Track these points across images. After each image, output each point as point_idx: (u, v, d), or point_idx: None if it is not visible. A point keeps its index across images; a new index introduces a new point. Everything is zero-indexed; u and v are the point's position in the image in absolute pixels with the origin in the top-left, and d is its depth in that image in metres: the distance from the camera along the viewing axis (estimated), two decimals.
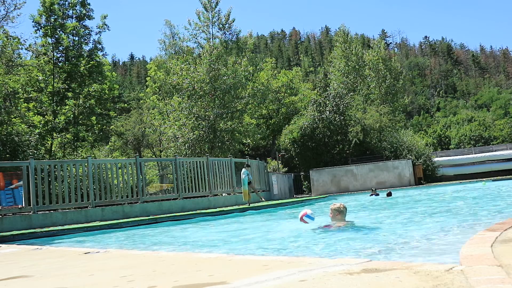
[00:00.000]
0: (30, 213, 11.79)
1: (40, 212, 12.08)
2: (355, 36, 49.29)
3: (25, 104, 23.35)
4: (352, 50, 42.71)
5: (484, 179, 25.99)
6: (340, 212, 6.76)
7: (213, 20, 35.04)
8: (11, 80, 20.97)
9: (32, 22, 23.78)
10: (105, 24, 25.63)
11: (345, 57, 42.69)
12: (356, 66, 42.26)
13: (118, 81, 61.05)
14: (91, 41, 25.44)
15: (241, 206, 15.43)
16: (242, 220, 11.24)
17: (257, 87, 31.54)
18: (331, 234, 6.15)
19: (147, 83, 39.10)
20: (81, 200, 13.16)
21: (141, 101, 40.73)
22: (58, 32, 24.06)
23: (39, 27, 23.96)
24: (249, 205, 15.85)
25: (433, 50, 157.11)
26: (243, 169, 16.93)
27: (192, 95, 26.45)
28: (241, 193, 18.68)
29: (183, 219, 11.82)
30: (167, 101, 31.25)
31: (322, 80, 42.55)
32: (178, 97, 27.86)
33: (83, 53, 24.84)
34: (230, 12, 35.35)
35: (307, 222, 7.04)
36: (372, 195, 18.88)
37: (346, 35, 44.11)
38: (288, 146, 32.73)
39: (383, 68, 42.22)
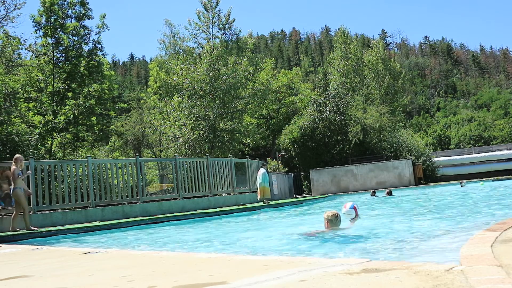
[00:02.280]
0: (30, 213, 11.77)
1: (40, 212, 12.08)
2: (354, 36, 49.29)
3: (25, 104, 23.33)
4: (352, 50, 42.70)
5: (484, 179, 25.99)
6: (329, 221, 6.35)
7: (213, 20, 35.04)
8: (11, 80, 20.94)
9: (32, 22, 23.74)
10: (104, 24, 25.59)
11: (345, 57, 42.68)
12: (356, 66, 42.25)
13: (118, 81, 61.13)
14: (90, 41, 25.44)
15: (256, 204, 15.82)
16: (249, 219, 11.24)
17: (257, 87, 31.53)
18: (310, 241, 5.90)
19: (148, 83, 39.12)
20: (81, 200, 13.15)
21: (142, 101, 40.72)
22: (58, 32, 24.03)
23: (39, 27, 23.93)
24: (268, 202, 16.44)
25: (433, 50, 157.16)
26: (263, 169, 17.25)
27: (192, 95, 26.45)
28: (242, 193, 18.74)
29: (183, 219, 11.83)
30: (167, 101, 31.24)
31: (322, 80, 42.50)
32: (178, 97, 27.85)
33: (83, 53, 24.82)
34: (230, 12, 35.36)
35: (355, 212, 6.75)
36: (372, 195, 18.85)
37: (346, 36, 44.09)
38: (288, 146, 32.71)
39: (382, 68, 42.21)
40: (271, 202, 16.95)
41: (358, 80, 41.92)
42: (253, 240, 6.75)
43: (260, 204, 16.03)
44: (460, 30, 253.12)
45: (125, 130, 35.24)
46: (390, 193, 18.34)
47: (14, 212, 10.45)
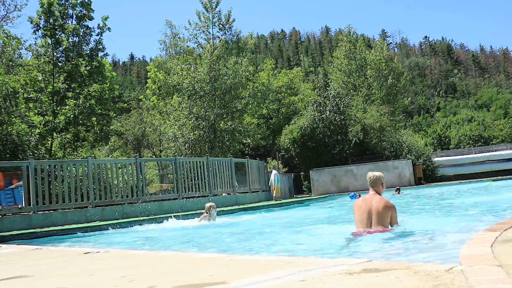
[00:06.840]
0: (30, 213, 11.78)
1: (40, 212, 12.07)
2: (355, 36, 49.31)
3: (25, 104, 23.31)
4: (357, 50, 42.64)
5: (484, 179, 25.98)
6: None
7: (213, 20, 34.98)
8: (11, 80, 20.94)
9: (31, 23, 23.69)
10: (105, 25, 25.58)
11: (348, 57, 42.59)
12: (359, 66, 42.21)
13: (118, 81, 61.10)
14: (91, 41, 25.41)
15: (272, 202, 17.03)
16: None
17: (258, 87, 31.51)
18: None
19: (147, 84, 39.09)
20: (81, 200, 13.13)
21: (141, 102, 40.71)
22: (57, 32, 24.00)
23: (38, 28, 23.90)
24: (280, 200, 17.87)
25: (433, 50, 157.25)
26: (275, 171, 19.03)
27: (192, 95, 26.44)
28: (242, 193, 18.78)
29: (182, 219, 11.81)
30: (167, 101, 31.23)
31: (321, 80, 42.45)
32: (178, 97, 27.83)
33: (83, 53, 24.80)
34: (230, 12, 35.28)
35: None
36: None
37: (352, 35, 44.00)
38: (288, 146, 32.70)
39: (385, 68, 42.15)
40: (271, 203, 17.00)
41: (362, 80, 41.85)
42: (253, 240, 6.75)
43: (260, 204, 16.11)
44: (460, 30, 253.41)
45: (125, 130, 35.20)
46: (398, 191, 18.50)
47: None
